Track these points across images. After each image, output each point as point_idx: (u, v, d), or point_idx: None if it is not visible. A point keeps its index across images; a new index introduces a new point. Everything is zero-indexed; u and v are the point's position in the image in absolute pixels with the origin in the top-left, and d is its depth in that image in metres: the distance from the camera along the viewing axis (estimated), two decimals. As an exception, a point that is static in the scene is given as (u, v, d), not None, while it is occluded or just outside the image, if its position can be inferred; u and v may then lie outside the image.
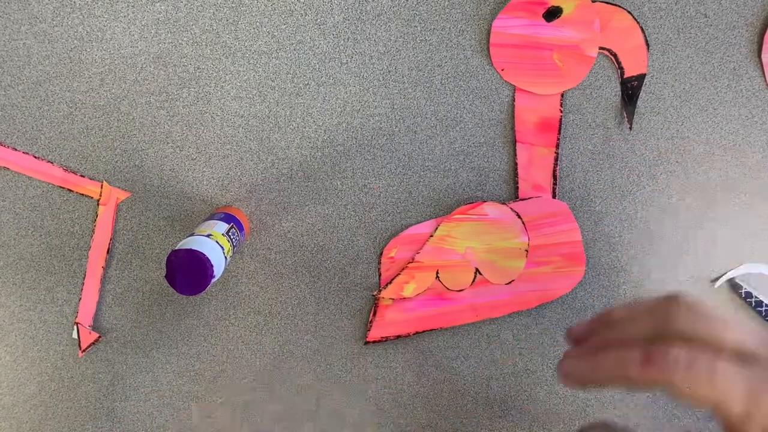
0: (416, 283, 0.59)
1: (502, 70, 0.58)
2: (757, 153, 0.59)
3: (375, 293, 0.59)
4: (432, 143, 0.58)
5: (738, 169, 0.59)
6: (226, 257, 0.49)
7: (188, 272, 0.47)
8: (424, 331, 0.60)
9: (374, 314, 0.59)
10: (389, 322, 0.59)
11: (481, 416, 0.61)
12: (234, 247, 0.52)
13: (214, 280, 0.47)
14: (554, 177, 0.59)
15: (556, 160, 0.59)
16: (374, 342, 0.60)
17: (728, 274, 0.60)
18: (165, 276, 0.48)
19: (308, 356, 0.60)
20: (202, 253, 0.47)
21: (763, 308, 0.60)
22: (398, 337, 0.60)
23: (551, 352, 0.60)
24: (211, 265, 0.47)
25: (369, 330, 0.60)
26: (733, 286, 0.60)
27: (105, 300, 0.60)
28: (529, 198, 0.59)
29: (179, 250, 0.46)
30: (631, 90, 0.58)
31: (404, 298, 0.59)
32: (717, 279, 0.60)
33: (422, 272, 0.59)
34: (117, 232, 0.59)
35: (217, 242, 0.49)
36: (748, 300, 0.60)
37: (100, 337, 0.60)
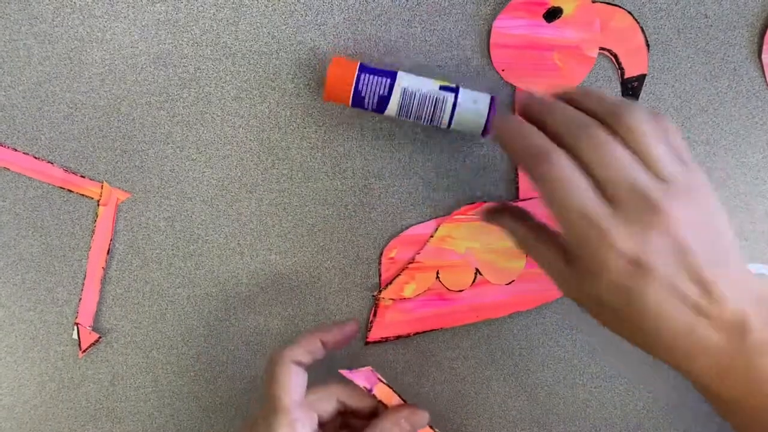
0: (416, 284, 0.59)
1: (503, 70, 0.58)
2: (758, 153, 0.59)
3: (375, 294, 0.59)
4: (432, 143, 0.58)
5: (738, 169, 0.59)
6: None
7: None
8: (424, 332, 0.60)
9: (374, 315, 0.60)
10: (389, 322, 0.59)
11: (481, 416, 0.61)
12: None
13: None
14: (554, 177, 0.59)
15: (557, 160, 0.59)
16: (374, 342, 0.60)
17: (728, 274, 0.60)
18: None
19: (308, 357, 0.60)
20: None
21: (764, 309, 0.60)
22: (398, 337, 0.60)
23: (551, 352, 0.60)
24: None
25: (369, 331, 0.60)
26: (734, 286, 0.60)
27: (105, 301, 0.60)
28: (530, 198, 0.59)
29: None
30: (631, 90, 0.58)
31: (404, 299, 0.59)
32: (717, 279, 0.60)
33: (422, 273, 0.59)
34: (117, 233, 0.59)
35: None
36: (748, 300, 0.60)
37: (100, 337, 0.60)
